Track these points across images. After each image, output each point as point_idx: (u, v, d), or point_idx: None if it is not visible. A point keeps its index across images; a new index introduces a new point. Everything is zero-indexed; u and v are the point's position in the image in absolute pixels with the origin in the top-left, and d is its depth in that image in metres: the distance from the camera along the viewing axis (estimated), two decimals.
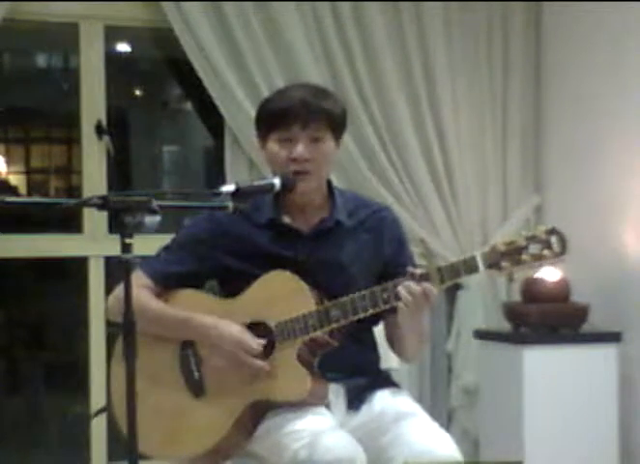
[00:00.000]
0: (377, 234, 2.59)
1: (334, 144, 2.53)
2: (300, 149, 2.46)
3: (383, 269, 2.56)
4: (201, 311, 2.53)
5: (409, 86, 4.21)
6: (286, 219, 2.55)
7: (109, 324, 2.69)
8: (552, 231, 2.35)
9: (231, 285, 2.56)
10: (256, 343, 2.43)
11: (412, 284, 2.35)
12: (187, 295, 2.58)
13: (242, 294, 2.51)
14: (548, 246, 2.33)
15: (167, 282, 2.58)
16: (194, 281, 2.60)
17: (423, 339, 2.60)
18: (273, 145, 2.50)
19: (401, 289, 2.35)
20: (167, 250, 2.62)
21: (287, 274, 2.46)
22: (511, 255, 2.34)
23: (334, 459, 2.27)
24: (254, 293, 2.50)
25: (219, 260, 2.55)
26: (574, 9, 4.20)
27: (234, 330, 2.46)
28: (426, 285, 2.34)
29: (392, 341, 2.62)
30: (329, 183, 2.59)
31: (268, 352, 2.45)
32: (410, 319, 2.42)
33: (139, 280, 2.47)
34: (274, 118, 2.49)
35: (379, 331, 2.65)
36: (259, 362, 2.42)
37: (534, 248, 2.34)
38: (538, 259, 2.34)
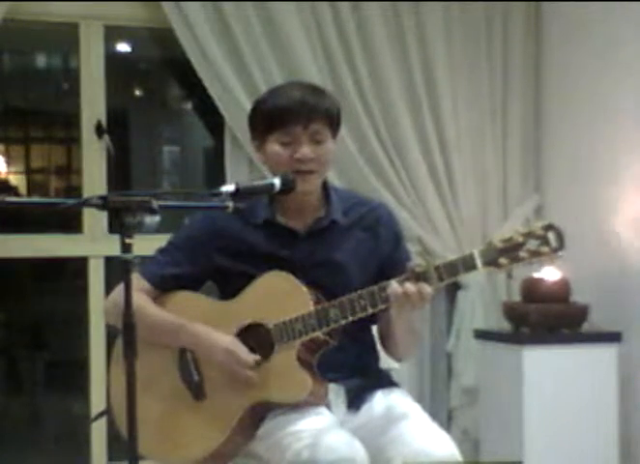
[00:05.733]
0: (373, 232, 2.58)
1: (332, 142, 2.53)
2: (304, 149, 2.45)
3: (380, 266, 2.55)
4: (198, 314, 2.52)
5: (409, 86, 4.21)
6: (282, 219, 2.54)
7: (109, 325, 2.69)
8: (549, 227, 2.34)
9: (229, 286, 2.55)
10: (248, 355, 2.43)
11: (407, 283, 2.35)
12: (184, 297, 2.57)
13: (239, 296, 2.51)
14: (545, 242, 2.32)
15: (165, 285, 2.58)
16: (192, 283, 2.59)
17: (416, 338, 2.61)
18: (273, 146, 2.49)
19: (397, 288, 2.35)
20: (163, 252, 2.61)
21: (284, 274, 2.45)
22: (509, 252, 2.33)
23: (335, 459, 2.27)
24: (252, 294, 2.49)
25: (216, 261, 2.55)
26: (574, 9, 4.20)
27: (226, 341, 2.45)
28: (422, 285, 2.34)
29: (385, 340, 2.61)
30: (324, 181, 2.59)
31: (267, 353, 2.44)
32: (404, 317, 2.42)
33: (137, 283, 2.46)
34: (273, 119, 2.48)
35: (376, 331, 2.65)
36: (250, 374, 2.42)
37: (531, 245, 2.33)
38: (536, 255, 2.33)
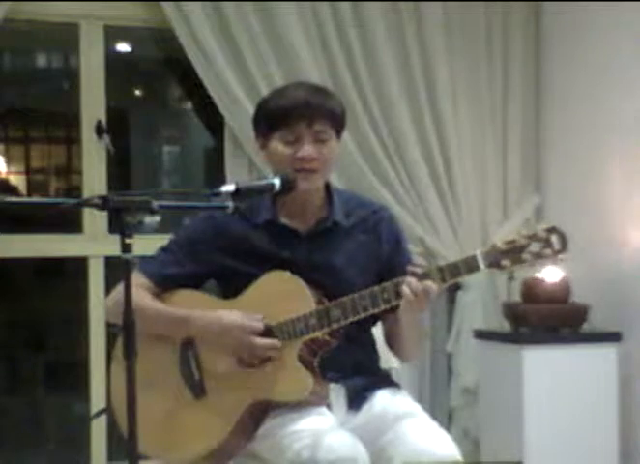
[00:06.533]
0: (375, 234, 2.59)
1: (336, 143, 2.54)
2: (307, 148, 2.46)
3: (381, 269, 2.56)
4: None
5: (409, 86, 4.21)
6: (284, 220, 2.55)
7: (109, 324, 2.69)
8: (552, 230, 2.35)
9: (230, 286, 2.56)
10: (258, 322, 2.43)
11: (414, 281, 2.35)
12: (185, 295, 2.58)
13: (241, 294, 2.51)
14: (548, 244, 2.34)
15: (166, 283, 2.58)
16: (193, 282, 2.60)
17: (422, 337, 2.61)
18: (276, 144, 2.49)
19: (404, 286, 2.35)
20: (165, 252, 2.61)
21: (286, 274, 2.46)
22: (512, 254, 2.34)
23: (336, 459, 2.27)
24: (254, 293, 2.50)
25: (217, 261, 2.55)
26: (574, 9, 4.20)
27: (235, 316, 2.45)
28: (427, 282, 2.35)
29: (391, 341, 2.62)
30: (326, 183, 2.59)
31: None
32: (410, 316, 2.42)
33: (138, 281, 2.46)
34: (277, 117, 2.48)
35: (378, 331, 2.65)
36: (267, 341, 2.42)
37: (534, 247, 2.34)
38: (539, 258, 2.34)
